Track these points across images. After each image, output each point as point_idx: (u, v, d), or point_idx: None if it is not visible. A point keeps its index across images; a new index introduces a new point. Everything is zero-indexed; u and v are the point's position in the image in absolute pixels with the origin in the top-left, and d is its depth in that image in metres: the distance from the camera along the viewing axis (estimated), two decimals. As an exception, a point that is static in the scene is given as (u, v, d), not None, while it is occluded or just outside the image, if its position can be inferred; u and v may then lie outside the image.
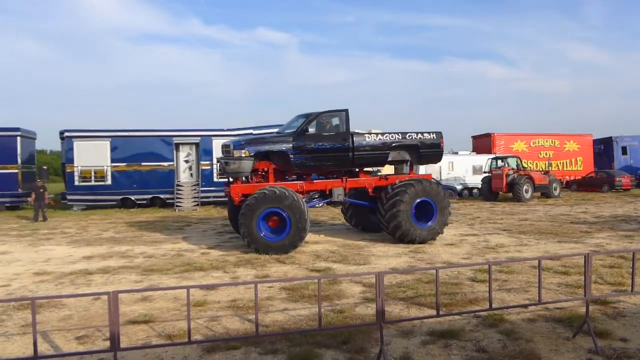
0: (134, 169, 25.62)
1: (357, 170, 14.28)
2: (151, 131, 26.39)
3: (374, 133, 14.00)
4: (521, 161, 28.79)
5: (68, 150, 25.66)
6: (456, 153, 33.26)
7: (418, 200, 12.96)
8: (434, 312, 6.00)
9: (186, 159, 26.68)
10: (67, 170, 25.72)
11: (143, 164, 25.64)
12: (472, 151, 35.71)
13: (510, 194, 27.08)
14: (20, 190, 26.13)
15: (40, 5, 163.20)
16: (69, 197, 25.68)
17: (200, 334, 6.14)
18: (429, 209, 13.10)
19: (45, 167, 30.17)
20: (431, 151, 14.03)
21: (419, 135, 13.90)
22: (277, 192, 11.98)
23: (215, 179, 25.49)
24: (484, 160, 30.49)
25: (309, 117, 13.16)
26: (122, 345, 5.08)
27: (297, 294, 7.91)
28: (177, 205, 24.37)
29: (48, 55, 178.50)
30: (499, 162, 28.68)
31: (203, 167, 26.04)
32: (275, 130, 15.84)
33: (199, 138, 26.16)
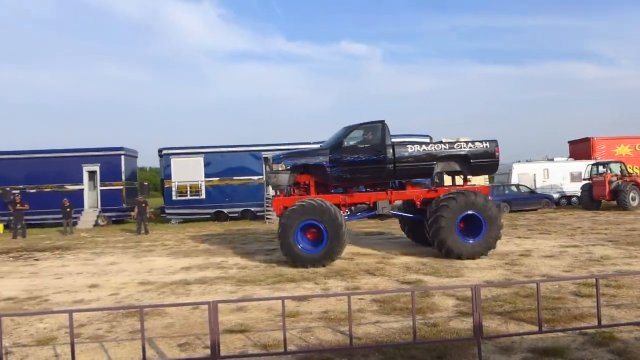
0: (226, 183, 26.71)
1: (404, 182, 13.79)
2: (241, 146, 27.43)
3: (417, 143, 13.44)
4: (626, 166, 26.77)
5: (166, 166, 27.28)
6: (551, 160, 31.56)
7: (463, 215, 12.26)
8: (535, 327, 5.70)
9: (275, 172, 27.36)
10: (165, 186, 27.32)
11: (234, 178, 26.66)
12: (570, 157, 33.73)
13: (614, 202, 25.22)
14: (124, 205, 28.10)
15: (137, 33, 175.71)
16: (167, 211, 27.25)
17: (294, 344, 6.23)
18: (477, 222, 12.32)
19: (146, 183, 32.22)
20: (484, 161, 13.08)
21: (470, 145, 13.11)
22: (315, 204, 12.06)
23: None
24: (583, 167, 28.66)
25: (346, 130, 13.15)
26: (222, 353, 5.27)
27: (389, 306, 7.82)
28: (267, 218, 25.05)
29: (146, 79, 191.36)
30: (601, 168, 26.84)
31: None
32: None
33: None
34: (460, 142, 13.32)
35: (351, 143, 12.99)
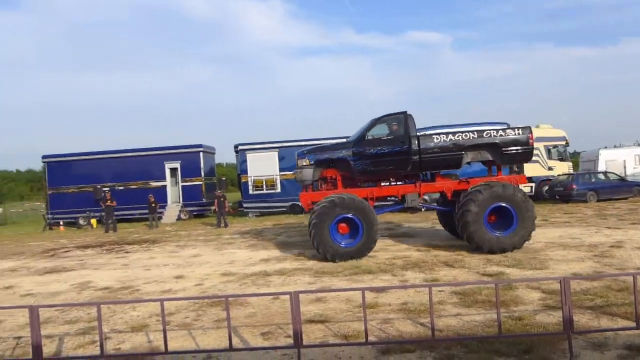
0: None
1: (432, 173, 13.44)
2: (313, 140, 27.64)
3: (444, 134, 12.68)
4: None
5: (242, 162, 28.05)
6: (644, 145, 29.49)
7: (492, 207, 11.74)
8: (631, 323, 5.36)
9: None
10: (242, 181, 28.10)
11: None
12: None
13: None
14: (204, 200, 29.21)
15: (209, 33, 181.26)
16: (244, 204, 28.03)
17: (374, 335, 6.24)
18: (509, 214, 11.75)
19: (224, 179, 33.32)
20: (516, 149, 12.38)
21: (500, 133, 12.46)
22: (346, 199, 12.05)
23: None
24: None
25: (369, 123, 12.94)
26: (304, 342, 5.37)
27: (470, 299, 7.63)
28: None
29: (219, 77, 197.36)
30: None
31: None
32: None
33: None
34: (490, 129, 12.67)
35: (374, 135, 12.80)
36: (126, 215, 28.19)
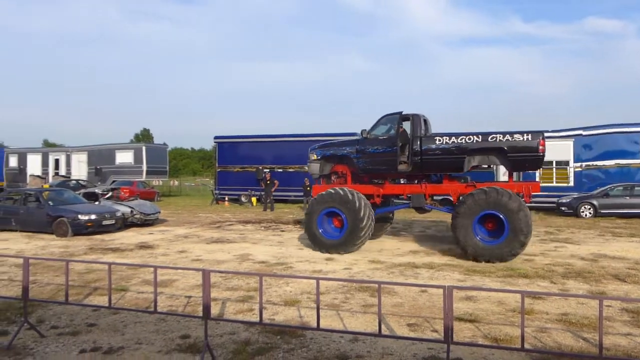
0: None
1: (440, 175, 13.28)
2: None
3: (447, 135, 12.48)
4: None
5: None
6: None
7: (482, 214, 11.29)
8: None
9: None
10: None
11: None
12: None
13: None
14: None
15: (365, 23, 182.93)
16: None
17: (529, 343, 5.86)
18: (502, 223, 11.09)
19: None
20: (524, 155, 11.75)
21: (507, 137, 11.80)
22: (335, 193, 12.51)
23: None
24: None
25: (375, 122, 13.14)
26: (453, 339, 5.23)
27: (645, 318, 6.80)
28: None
29: (376, 67, 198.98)
30: None
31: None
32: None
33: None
34: (496, 133, 11.99)
35: (374, 134, 13.04)
36: (283, 196, 29.86)
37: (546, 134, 23.47)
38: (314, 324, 5.59)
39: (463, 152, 12.17)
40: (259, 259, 11.73)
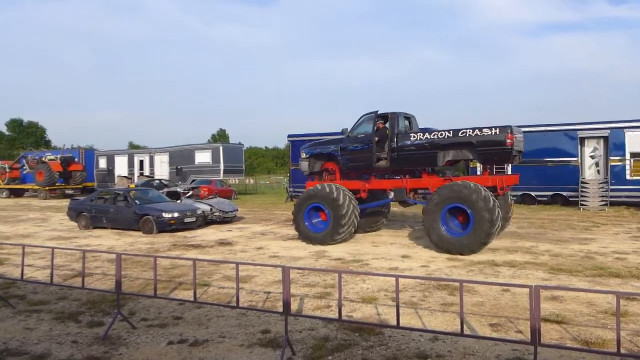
0: (535, 165, 25.11)
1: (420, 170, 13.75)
2: (552, 125, 25.30)
3: (421, 132, 13.23)
4: None
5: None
6: None
7: (449, 207, 11.72)
8: None
9: (592, 154, 24.51)
10: (472, 166, 27.26)
11: (544, 159, 24.86)
12: None
13: None
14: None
15: (438, 16, 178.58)
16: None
17: (624, 347, 5.49)
18: (469, 216, 11.44)
19: None
20: (492, 149, 12.14)
21: (476, 132, 12.23)
22: (320, 189, 13.45)
23: (627, 177, 22.59)
24: None
25: (357, 121, 13.95)
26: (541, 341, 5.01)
27: None
28: (581, 204, 22.69)
29: (448, 59, 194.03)
30: None
31: (613, 163, 23.38)
32: None
33: (608, 131, 23.54)
34: (466, 129, 12.44)
35: (355, 133, 13.89)
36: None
37: (634, 125, 22.18)
38: (393, 322, 5.55)
39: (436, 147, 12.73)
40: (335, 255, 11.79)
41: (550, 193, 24.69)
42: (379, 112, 13.65)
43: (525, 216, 19.95)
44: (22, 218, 22.66)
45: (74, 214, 18.17)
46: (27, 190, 39.82)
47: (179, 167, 37.62)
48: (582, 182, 23.29)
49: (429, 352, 5.48)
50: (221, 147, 37.35)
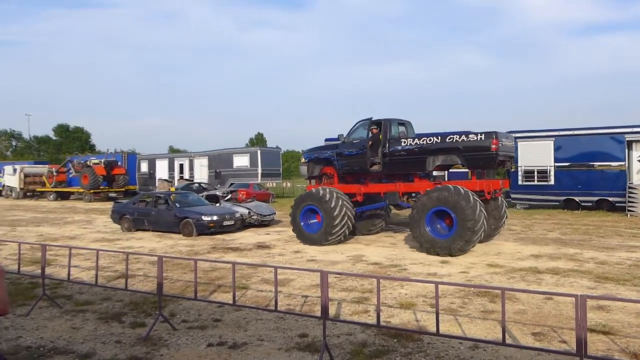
0: (579, 169, 24.39)
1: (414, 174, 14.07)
2: (597, 129, 24.50)
3: (412, 138, 13.56)
4: None
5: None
6: None
7: (433, 210, 12.12)
8: None
9: (640, 158, 23.62)
10: (511, 170, 26.67)
11: (589, 163, 24.11)
12: None
13: None
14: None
15: (477, 18, 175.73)
16: (512, 195, 26.65)
17: (676, 360, 5.27)
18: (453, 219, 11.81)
19: None
20: (478, 154, 12.48)
21: (462, 137, 12.63)
22: (315, 192, 14.08)
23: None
24: None
25: (352, 127, 14.52)
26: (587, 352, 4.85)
27: None
28: (629, 210, 21.87)
29: (492, 63, 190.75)
30: None
31: (662, 168, 22.48)
32: None
33: (658, 134, 22.68)
34: (453, 134, 12.85)
35: (350, 139, 14.44)
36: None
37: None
38: (432, 328, 5.48)
39: (425, 152, 13.18)
40: (372, 260, 11.73)
41: (595, 198, 23.92)
42: (373, 119, 14.22)
43: (569, 222, 19.39)
44: (68, 220, 23.44)
45: (117, 216, 18.67)
46: (73, 193, 41.17)
47: (217, 171, 38.17)
48: (630, 187, 22.47)
49: (469, 361, 5.38)
50: (259, 151, 37.72)
